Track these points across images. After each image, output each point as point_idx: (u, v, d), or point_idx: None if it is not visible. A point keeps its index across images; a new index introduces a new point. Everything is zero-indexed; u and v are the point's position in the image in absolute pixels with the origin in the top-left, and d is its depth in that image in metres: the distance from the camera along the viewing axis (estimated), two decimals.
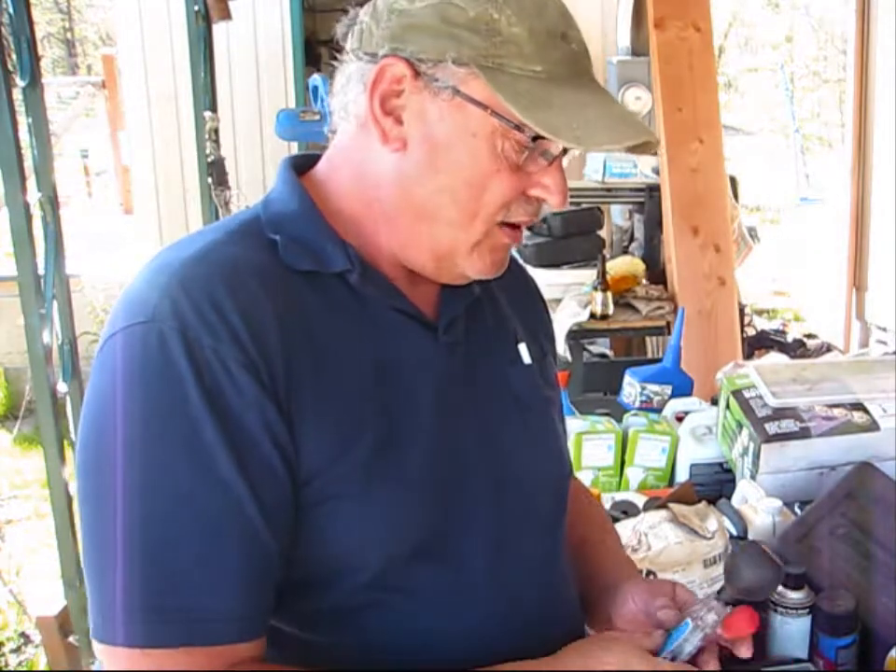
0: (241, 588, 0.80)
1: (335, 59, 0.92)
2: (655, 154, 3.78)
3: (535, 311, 1.13)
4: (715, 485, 1.81)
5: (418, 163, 0.86)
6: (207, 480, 0.78)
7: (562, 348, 3.43)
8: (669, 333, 3.40)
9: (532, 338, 1.07)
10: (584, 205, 3.95)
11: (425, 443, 0.88)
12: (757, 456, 1.63)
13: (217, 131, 3.85)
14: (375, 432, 0.85)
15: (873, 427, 1.64)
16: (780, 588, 1.29)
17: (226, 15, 3.78)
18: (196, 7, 3.73)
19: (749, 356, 4.52)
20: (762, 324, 5.95)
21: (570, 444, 1.86)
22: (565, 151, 0.88)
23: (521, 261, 1.18)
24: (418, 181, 0.87)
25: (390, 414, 0.87)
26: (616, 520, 1.52)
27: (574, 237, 3.86)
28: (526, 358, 1.03)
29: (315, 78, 3.53)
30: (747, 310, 5.13)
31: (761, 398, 1.72)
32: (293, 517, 0.83)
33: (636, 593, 0.98)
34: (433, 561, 0.89)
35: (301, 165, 0.96)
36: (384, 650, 0.88)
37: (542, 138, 0.83)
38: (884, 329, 4.96)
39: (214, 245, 0.86)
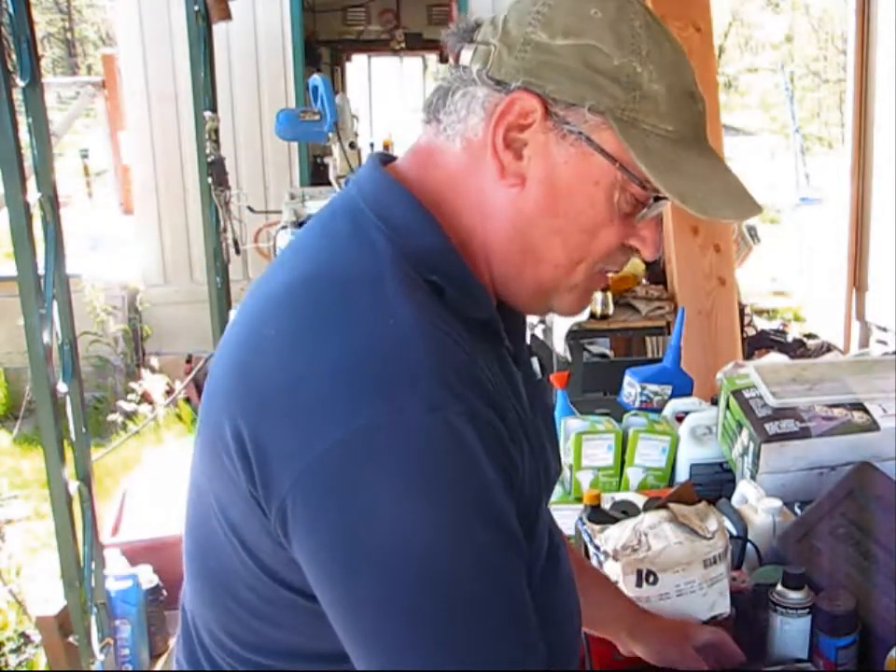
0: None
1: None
2: None
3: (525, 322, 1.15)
4: (715, 485, 1.81)
5: (536, 203, 0.84)
6: (516, 569, 0.77)
7: (562, 348, 3.43)
8: (669, 333, 3.40)
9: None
10: None
11: (545, 481, 0.94)
12: (757, 456, 1.63)
13: (217, 131, 3.86)
14: (539, 482, 0.88)
15: (873, 427, 1.64)
16: (780, 588, 1.29)
17: (226, 15, 3.79)
18: (196, 7, 3.73)
19: (748, 356, 4.52)
20: (762, 324, 5.96)
21: (570, 444, 1.87)
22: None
23: None
24: (532, 221, 0.85)
25: (538, 460, 0.89)
26: (616, 520, 1.52)
27: None
28: (538, 373, 1.05)
29: (315, 78, 3.53)
30: (747, 310, 5.14)
31: (761, 398, 1.72)
32: None
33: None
34: (550, 567, 0.95)
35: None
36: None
37: (662, 198, 0.83)
38: (884, 329, 4.96)
39: (416, 304, 0.77)
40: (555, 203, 0.84)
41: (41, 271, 2.26)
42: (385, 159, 0.91)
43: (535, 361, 1.04)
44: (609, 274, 0.93)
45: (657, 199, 0.84)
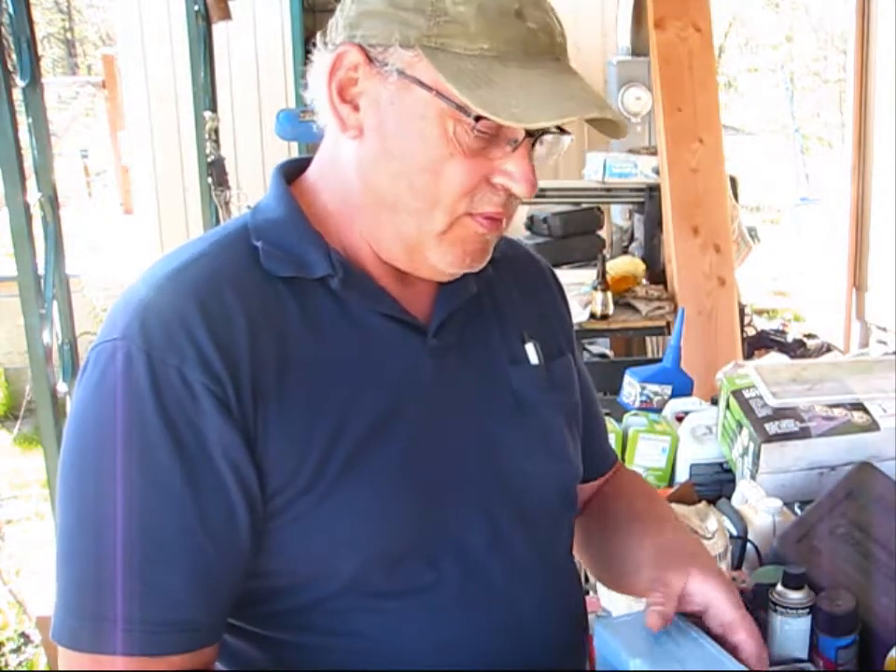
0: (181, 602, 0.80)
1: None
2: (655, 154, 3.79)
3: (552, 308, 1.10)
4: (715, 485, 1.80)
5: (374, 150, 0.86)
6: (157, 498, 0.79)
7: None
8: (669, 333, 3.39)
9: (546, 337, 1.04)
10: (584, 205, 3.94)
11: (404, 449, 0.87)
12: (757, 456, 1.63)
13: (216, 131, 3.86)
14: (350, 441, 0.85)
15: (873, 427, 1.64)
16: (780, 588, 1.29)
17: (226, 15, 3.78)
18: (196, 7, 3.73)
19: (749, 356, 4.52)
20: (762, 324, 5.94)
21: None
22: (533, 140, 0.86)
23: (539, 258, 1.14)
24: (375, 168, 0.86)
25: (367, 421, 0.86)
26: None
27: (574, 237, 3.86)
28: (534, 359, 1.00)
29: None
30: (747, 310, 5.12)
31: (761, 398, 1.72)
32: (248, 535, 0.83)
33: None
34: (419, 564, 0.88)
35: (294, 170, 0.96)
36: (365, 652, 0.87)
37: (487, 119, 0.81)
38: (884, 329, 4.96)
39: (194, 259, 0.87)
40: (390, 146, 0.85)
41: (41, 271, 2.26)
42: (286, 168, 0.97)
43: (530, 346, 1.01)
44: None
45: (478, 118, 0.81)
